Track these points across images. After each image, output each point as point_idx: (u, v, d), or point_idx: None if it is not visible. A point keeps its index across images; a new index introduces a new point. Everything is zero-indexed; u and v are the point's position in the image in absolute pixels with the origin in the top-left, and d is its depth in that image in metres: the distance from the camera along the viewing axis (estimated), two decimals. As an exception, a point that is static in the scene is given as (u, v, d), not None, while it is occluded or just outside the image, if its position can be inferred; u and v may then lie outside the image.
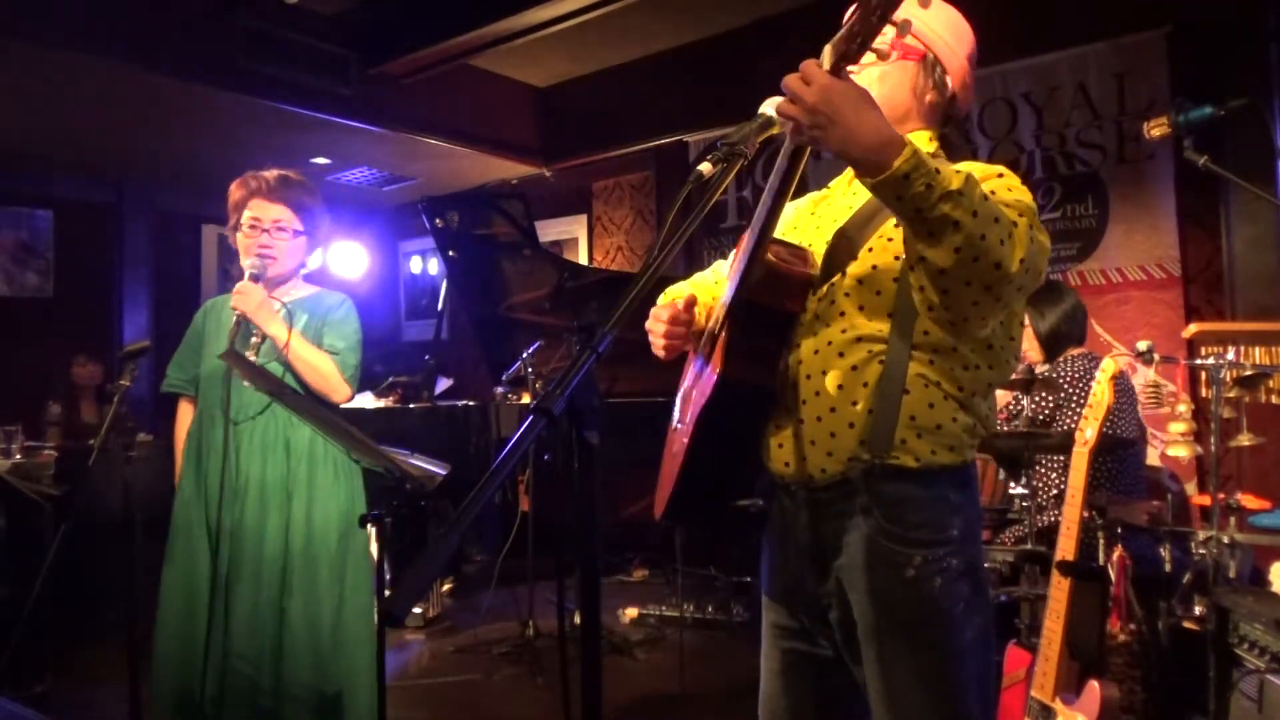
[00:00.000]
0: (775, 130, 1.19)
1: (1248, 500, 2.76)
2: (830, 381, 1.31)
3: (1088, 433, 2.29)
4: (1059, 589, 2.22)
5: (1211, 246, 3.90)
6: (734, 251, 1.59)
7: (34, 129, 5.22)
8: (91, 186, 6.37)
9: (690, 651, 3.78)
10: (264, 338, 2.31)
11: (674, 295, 1.61)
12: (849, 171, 1.43)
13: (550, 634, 3.92)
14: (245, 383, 2.28)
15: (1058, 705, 2.18)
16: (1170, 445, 3.22)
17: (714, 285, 1.62)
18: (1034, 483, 2.93)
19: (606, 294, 4.33)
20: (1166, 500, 2.89)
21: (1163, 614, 2.54)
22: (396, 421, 4.42)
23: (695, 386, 1.49)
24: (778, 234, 1.37)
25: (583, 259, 6.40)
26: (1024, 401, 3.06)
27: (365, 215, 7.43)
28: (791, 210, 1.53)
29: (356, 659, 2.32)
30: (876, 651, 1.30)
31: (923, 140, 1.41)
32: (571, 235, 6.56)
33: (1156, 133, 2.38)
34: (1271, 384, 2.99)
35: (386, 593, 2.40)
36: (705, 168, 1.12)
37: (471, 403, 4.63)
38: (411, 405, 4.87)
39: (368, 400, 4.80)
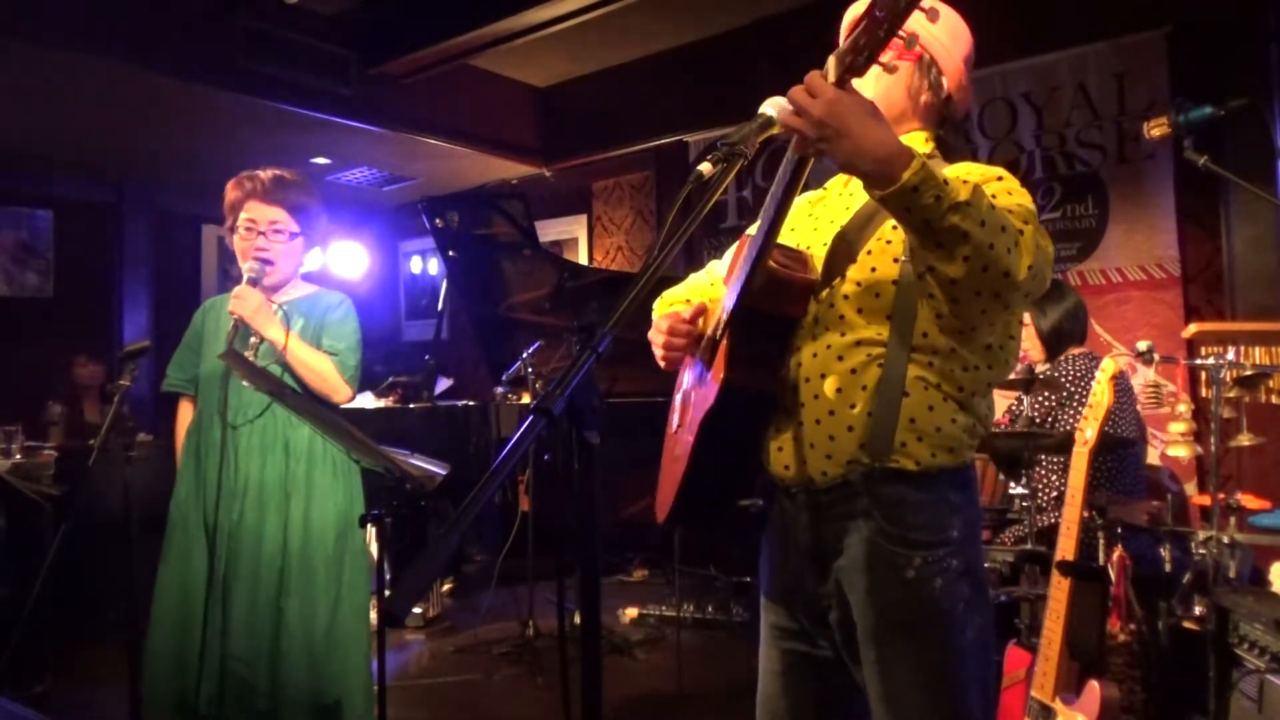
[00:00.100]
0: (775, 130, 1.19)
1: (1248, 500, 2.75)
2: (829, 385, 1.31)
3: (1088, 433, 2.29)
4: (1059, 589, 2.22)
5: (1211, 246, 3.90)
6: (728, 253, 1.59)
7: (34, 129, 5.22)
8: (91, 186, 6.37)
9: (689, 651, 3.78)
10: (262, 339, 2.31)
11: (670, 300, 1.61)
12: None
13: (550, 634, 3.92)
14: (245, 383, 2.28)
15: (1058, 705, 2.18)
16: (1170, 445, 3.22)
17: (709, 287, 1.62)
18: (1034, 484, 2.93)
19: (606, 294, 4.33)
20: (1166, 500, 2.89)
21: (1163, 614, 2.54)
22: (396, 421, 4.42)
23: (695, 391, 1.49)
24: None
25: (583, 259, 6.40)
26: (1024, 402, 3.06)
27: (365, 215, 7.43)
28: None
29: (352, 659, 2.32)
30: (877, 652, 1.30)
31: (919, 141, 1.41)
32: (571, 235, 6.56)
33: (1156, 133, 2.38)
34: (1271, 384, 2.99)
35: (387, 593, 2.41)
36: (705, 168, 1.11)
37: (471, 403, 4.64)
38: (411, 405, 4.87)
39: (368, 400, 4.80)
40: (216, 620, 2.22)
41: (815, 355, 1.33)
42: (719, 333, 1.39)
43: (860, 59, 1.10)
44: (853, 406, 1.30)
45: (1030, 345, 3.20)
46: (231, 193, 2.41)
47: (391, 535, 3.75)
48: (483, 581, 4.76)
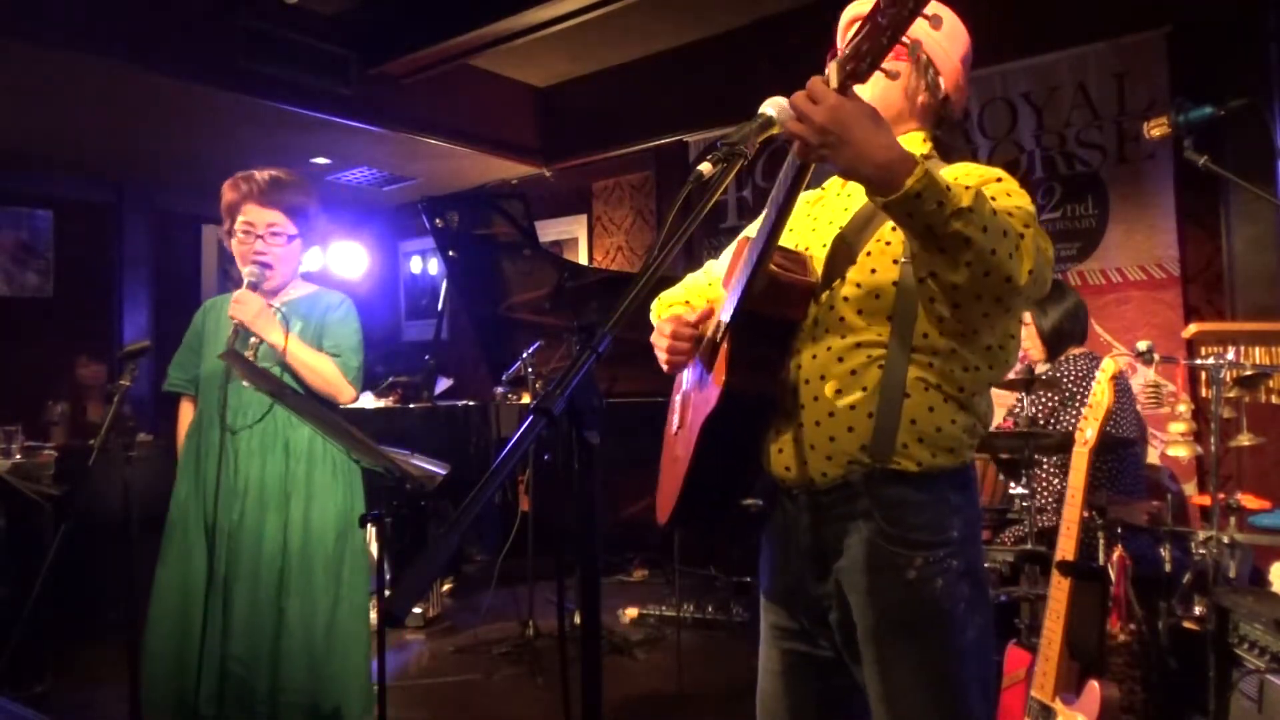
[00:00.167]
0: (775, 130, 1.19)
1: (1248, 500, 2.75)
2: (829, 387, 1.31)
3: (1088, 433, 2.29)
4: (1059, 589, 2.22)
5: (1211, 246, 3.90)
6: (725, 253, 1.59)
7: (34, 129, 5.22)
8: (91, 186, 6.37)
9: (689, 651, 3.78)
10: (263, 342, 2.31)
11: (669, 302, 1.61)
12: None
13: (550, 634, 3.92)
14: (245, 383, 2.28)
15: (1058, 705, 2.18)
16: (1170, 445, 3.22)
17: (707, 287, 1.62)
18: (1034, 484, 2.93)
19: (606, 294, 4.33)
20: (1166, 500, 2.89)
21: (1163, 614, 2.54)
22: (396, 421, 4.42)
23: (695, 393, 1.49)
24: None
25: (583, 259, 6.40)
26: (1025, 402, 3.06)
27: (365, 215, 7.43)
28: None
29: (352, 658, 2.32)
30: (878, 652, 1.30)
31: (916, 141, 1.41)
32: (571, 235, 6.56)
33: (1156, 133, 2.38)
34: (1271, 384, 2.99)
35: (387, 593, 2.41)
36: (705, 168, 1.11)
37: (471, 403, 4.63)
38: (411, 405, 4.87)
39: (368, 400, 4.80)
40: (217, 621, 2.22)
41: (815, 357, 1.33)
42: (719, 336, 1.39)
43: (863, 65, 1.09)
44: (853, 408, 1.30)
45: (1031, 345, 3.20)
46: (228, 194, 2.40)
47: (391, 535, 3.75)
48: (483, 581, 4.76)
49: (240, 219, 2.37)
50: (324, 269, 4.89)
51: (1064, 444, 2.69)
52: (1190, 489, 3.76)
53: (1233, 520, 2.62)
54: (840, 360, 1.31)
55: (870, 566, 1.30)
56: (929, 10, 1.06)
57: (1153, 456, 3.65)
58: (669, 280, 1.66)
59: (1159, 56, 3.96)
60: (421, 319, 7.48)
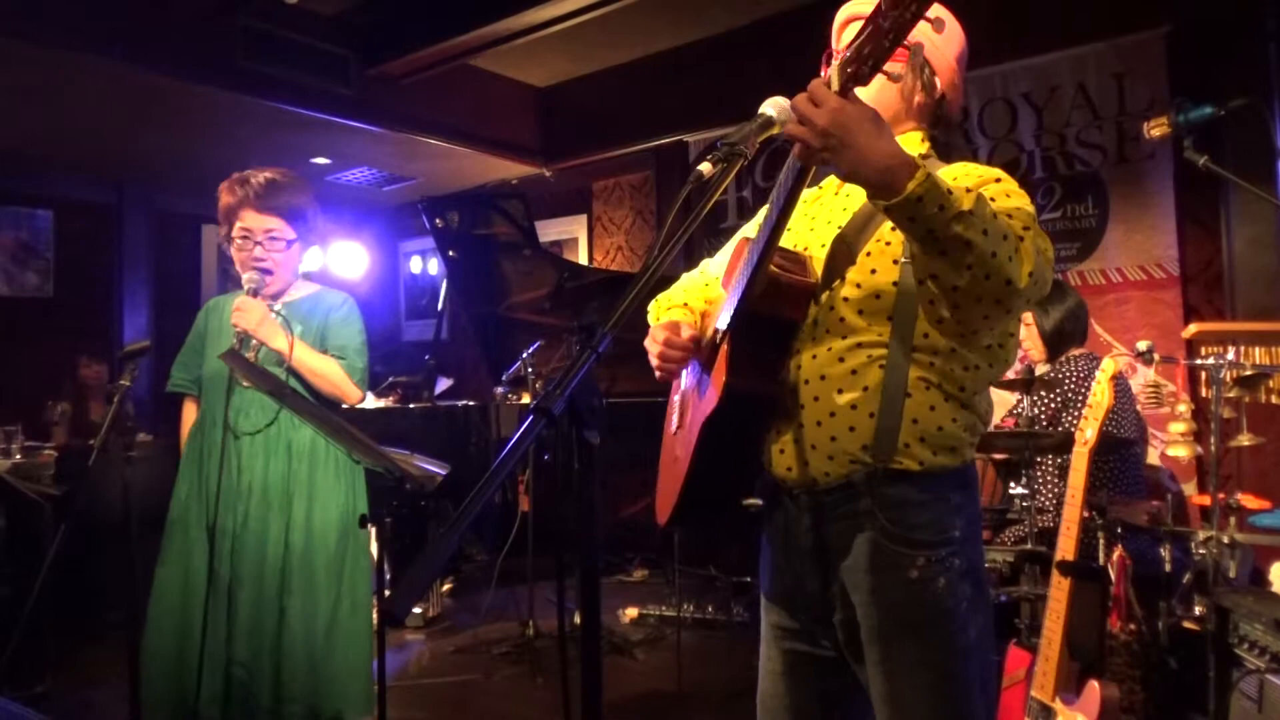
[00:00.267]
0: (775, 130, 1.19)
1: (1248, 500, 2.76)
2: (830, 387, 1.31)
3: (1088, 433, 2.29)
4: (1059, 589, 2.22)
5: (1211, 246, 3.90)
6: (722, 251, 1.59)
7: (34, 129, 5.22)
8: (91, 186, 6.37)
9: (689, 651, 3.78)
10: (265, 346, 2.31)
11: (667, 304, 1.61)
12: None
13: (550, 634, 3.92)
14: (245, 384, 2.27)
15: (1058, 705, 2.18)
16: (1170, 445, 3.22)
17: (704, 287, 1.62)
18: (1033, 485, 2.92)
19: (606, 294, 4.34)
20: (1166, 500, 2.89)
21: (1163, 614, 2.54)
22: (396, 421, 4.43)
23: (695, 393, 1.49)
24: None
25: (583, 259, 6.40)
26: (1024, 402, 3.06)
27: (365, 215, 7.43)
28: None
29: (352, 657, 2.32)
30: (880, 652, 1.30)
31: (913, 141, 1.41)
32: (571, 235, 6.56)
33: (1156, 133, 2.37)
34: (1271, 384, 2.99)
35: (387, 593, 2.41)
36: (705, 168, 1.11)
37: (471, 403, 4.64)
38: (411, 405, 4.87)
39: (368, 400, 4.80)
40: (220, 624, 2.21)
41: (815, 358, 1.33)
42: (719, 336, 1.39)
43: (865, 68, 1.09)
44: (854, 408, 1.30)
45: (1032, 346, 3.20)
46: (224, 198, 2.39)
47: (391, 535, 3.75)
48: (483, 581, 4.76)
49: (238, 225, 2.36)
50: (324, 269, 4.88)
51: (1064, 444, 2.69)
52: (1190, 489, 3.76)
53: (1233, 520, 2.62)
54: (841, 360, 1.31)
55: (872, 566, 1.30)
56: (931, 13, 1.05)
57: (1153, 456, 3.65)
58: (668, 280, 1.66)
59: (1159, 56, 3.96)
60: (421, 319, 7.48)
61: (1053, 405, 3.09)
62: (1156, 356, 2.83)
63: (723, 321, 1.36)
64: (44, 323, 6.10)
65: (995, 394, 3.08)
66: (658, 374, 1.51)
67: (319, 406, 2.23)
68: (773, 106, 1.20)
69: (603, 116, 5.95)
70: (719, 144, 1.13)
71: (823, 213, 1.44)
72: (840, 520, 1.33)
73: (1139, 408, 3.26)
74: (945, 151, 1.45)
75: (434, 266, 7.34)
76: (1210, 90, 3.26)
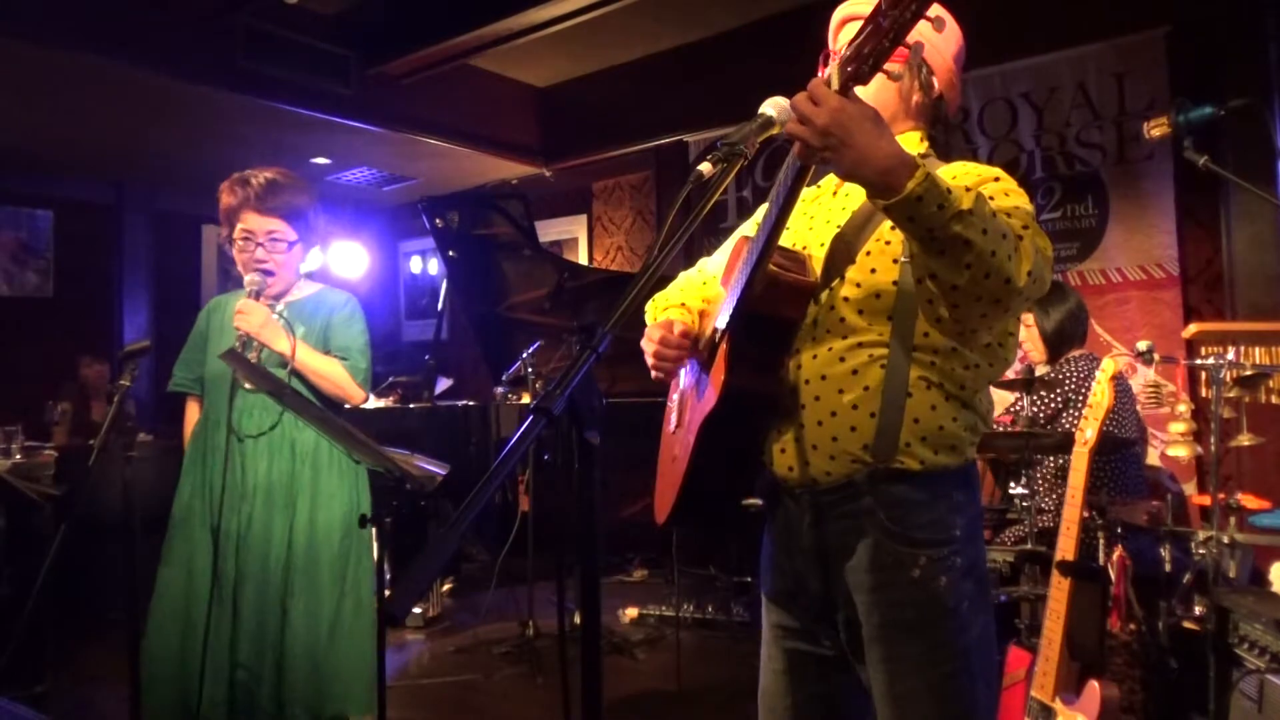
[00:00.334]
0: (775, 130, 1.19)
1: (1248, 500, 2.75)
2: (831, 387, 1.31)
3: (1088, 433, 2.29)
4: (1059, 589, 2.22)
5: (1211, 246, 3.90)
6: (720, 250, 1.59)
7: (34, 129, 5.22)
8: (91, 186, 6.38)
9: (689, 651, 3.78)
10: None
11: (665, 304, 1.61)
12: None
13: (550, 634, 3.92)
14: (246, 384, 2.27)
15: (1058, 705, 2.18)
16: (1170, 445, 3.21)
17: (702, 285, 1.62)
18: (1034, 485, 2.92)
19: (606, 294, 4.34)
20: (1166, 500, 2.89)
21: (1163, 614, 2.54)
22: (396, 421, 4.43)
23: (694, 392, 1.49)
24: None
25: (583, 259, 6.40)
26: (1024, 402, 3.06)
27: (365, 215, 7.43)
28: None
29: (354, 656, 2.32)
30: (883, 651, 1.30)
31: (912, 141, 1.41)
32: (571, 235, 6.57)
33: (1156, 133, 2.37)
34: (1271, 384, 2.99)
35: (387, 593, 2.41)
36: (705, 168, 1.11)
37: (471, 403, 4.64)
38: (411, 405, 4.87)
39: (368, 400, 4.80)
40: (225, 628, 2.20)
41: (815, 357, 1.33)
42: (718, 335, 1.38)
43: (865, 67, 1.09)
44: (855, 407, 1.30)
45: (1032, 347, 3.20)
46: (225, 199, 2.38)
47: (391, 535, 3.75)
48: (483, 581, 4.76)
49: (239, 226, 2.35)
50: (324, 268, 4.89)
51: (1064, 444, 2.69)
52: (1190, 489, 3.76)
53: (1233, 520, 2.62)
54: (841, 360, 1.31)
55: (874, 565, 1.30)
56: (930, 13, 1.05)
57: (1153, 456, 3.65)
58: (668, 280, 1.66)
59: (1158, 56, 3.96)
60: (421, 319, 7.48)
61: (1053, 405, 3.09)
62: (1156, 356, 2.83)
63: (722, 320, 1.36)
64: (44, 323, 6.11)
65: (993, 391, 3.07)
66: (654, 374, 1.50)
67: (319, 407, 2.22)
68: (773, 106, 1.20)
69: (603, 116, 5.95)
70: (719, 144, 1.13)
71: (822, 212, 1.44)
72: (841, 520, 1.33)
73: (1139, 408, 3.25)
74: (944, 150, 1.45)
75: (434, 266, 7.35)
76: (1210, 90, 3.27)
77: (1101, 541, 2.64)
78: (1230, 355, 2.94)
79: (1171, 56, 3.93)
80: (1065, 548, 2.24)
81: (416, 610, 4.39)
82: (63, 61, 4.24)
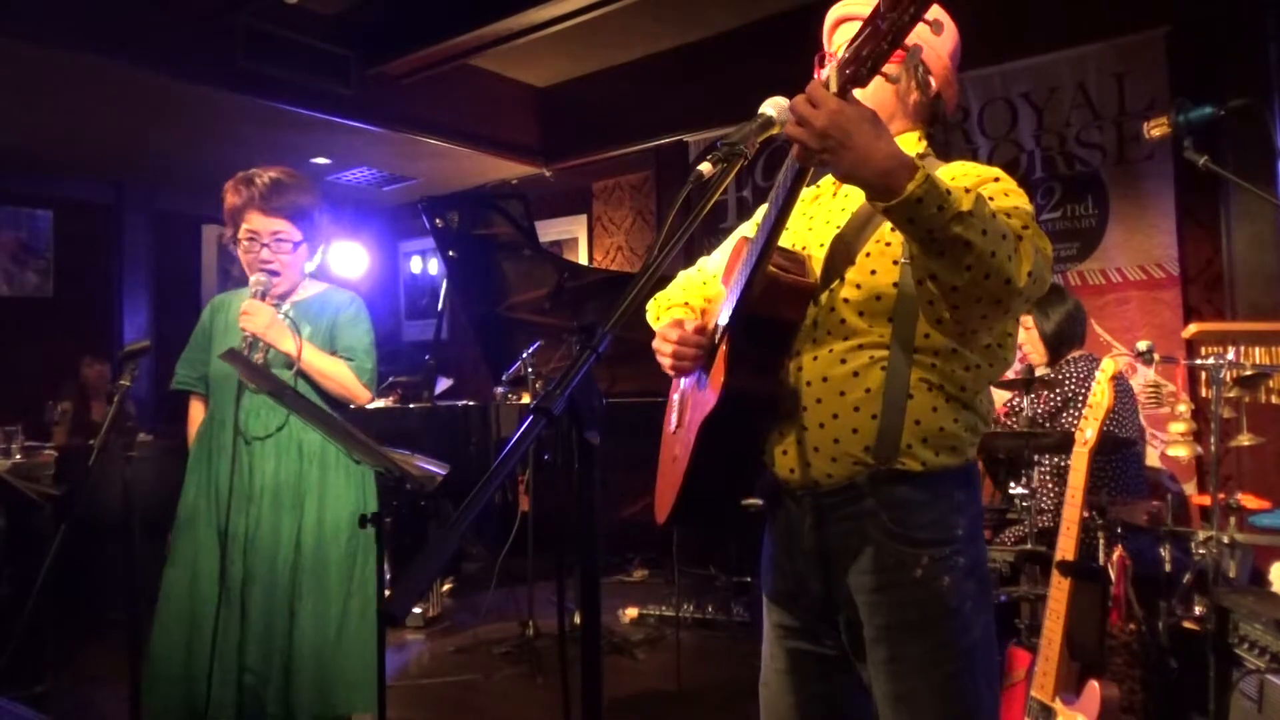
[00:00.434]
0: (775, 130, 1.19)
1: (1248, 500, 2.75)
2: (831, 389, 1.31)
3: (1088, 433, 2.29)
4: (1059, 589, 2.22)
5: (1211, 246, 3.90)
6: (720, 249, 1.59)
7: (34, 129, 5.22)
8: (91, 186, 6.38)
9: (690, 651, 3.78)
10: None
11: (667, 303, 1.61)
12: None
13: (550, 634, 3.92)
14: (248, 385, 2.27)
15: (1058, 705, 2.18)
16: (1170, 445, 3.22)
17: (702, 285, 1.62)
18: (1033, 486, 2.93)
19: (606, 294, 4.34)
20: (1166, 500, 2.89)
21: (1163, 614, 2.54)
22: (396, 421, 4.42)
23: (694, 392, 1.49)
24: None
25: (583, 259, 6.40)
26: (1023, 402, 3.06)
27: (365, 215, 7.43)
28: None
29: (360, 655, 2.31)
30: (885, 651, 1.30)
31: (911, 141, 1.41)
32: (571, 235, 6.57)
33: (1156, 133, 2.37)
34: (1271, 384, 2.99)
35: (387, 593, 2.40)
36: (705, 168, 1.11)
37: (471, 403, 4.63)
38: (411, 405, 4.87)
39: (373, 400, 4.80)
40: (233, 631, 2.19)
41: (816, 359, 1.33)
42: (718, 337, 1.38)
43: (863, 70, 1.09)
44: (856, 409, 1.30)
45: (1033, 349, 3.20)
46: (230, 198, 2.37)
47: (391, 535, 3.75)
48: (483, 581, 4.76)
49: (244, 227, 2.35)
50: (323, 268, 4.89)
51: (1064, 444, 2.69)
52: (1190, 489, 3.76)
53: (1233, 520, 2.62)
54: (842, 362, 1.31)
55: (876, 566, 1.30)
56: (929, 16, 1.05)
57: (1153, 456, 3.65)
58: (668, 280, 1.66)
59: (1158, 56, 3.96)
60: (421, 319, 7.48)
61: (1052, 405, 3.09)
62: (1156, 356, 2.83)
63: (722, 320, 1.36)
64: (44, 323, 6.11)
65: (992, 390, 3.08)
66: (672, 371, 1.50)
67: (320, 406, 2.22)
68: (772, 106, 1.20)
69: (603, 116, 5.95)
70: (719, 144, 1.13)
71: (821, 213, 1.44)
72: (843, 521, 1.33)
73: (1139, 408, 3.25)
74: (943, 150, 1.45)
75: (434, 266, 7.35)
76: (1210, 90, 3.27)
77: (1101, 541, 2.64)
78: (1230, 355, 2.94)
79: (1171, 56, 3.93)
80: (1065, 548, 2.24)
81: (416, 610, 4.39)
82: (63, 61, 4.24)
